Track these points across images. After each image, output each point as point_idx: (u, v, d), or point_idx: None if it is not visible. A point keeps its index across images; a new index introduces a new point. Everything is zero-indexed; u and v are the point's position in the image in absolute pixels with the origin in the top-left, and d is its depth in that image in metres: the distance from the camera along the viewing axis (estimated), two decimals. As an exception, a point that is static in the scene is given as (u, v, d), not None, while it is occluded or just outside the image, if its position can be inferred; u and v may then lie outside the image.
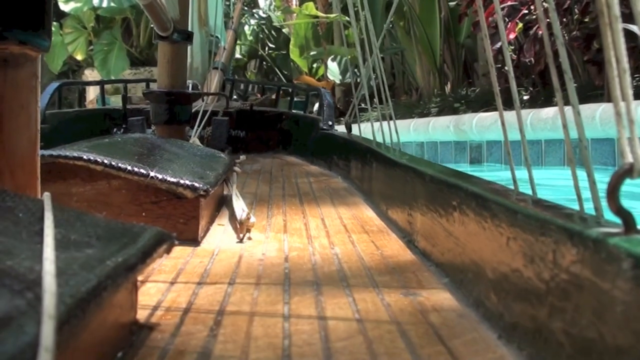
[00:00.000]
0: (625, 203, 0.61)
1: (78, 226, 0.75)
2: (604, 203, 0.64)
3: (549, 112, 5.26)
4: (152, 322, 0.82)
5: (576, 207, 0.75)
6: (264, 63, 12.68)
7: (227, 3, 5.36)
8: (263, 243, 1.33)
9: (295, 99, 4.03)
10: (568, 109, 0.78)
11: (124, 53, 10.02)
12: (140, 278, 0.96)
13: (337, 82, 10.39)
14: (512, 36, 6.04)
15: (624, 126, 0.60)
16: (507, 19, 5.92)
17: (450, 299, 0.93)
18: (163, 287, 0.99)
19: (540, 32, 5.80)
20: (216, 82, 4.21)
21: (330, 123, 3.08)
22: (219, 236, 1.41)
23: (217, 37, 4.36)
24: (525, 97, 6.29)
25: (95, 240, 0.71)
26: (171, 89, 2.38)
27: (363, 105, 2.33)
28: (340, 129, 3.01)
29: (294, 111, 3.74)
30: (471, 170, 5.58)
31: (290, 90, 4.30)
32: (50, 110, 3.46)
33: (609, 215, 0.64)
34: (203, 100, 3.23)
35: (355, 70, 8.13)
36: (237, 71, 13.14)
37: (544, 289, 0.67)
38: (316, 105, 4.03)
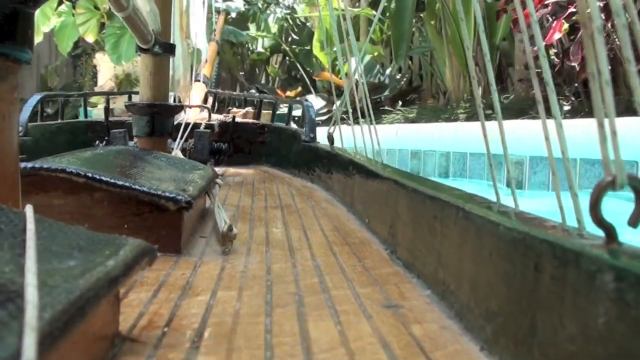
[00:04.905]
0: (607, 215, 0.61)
1: (60, 238, 0.74)
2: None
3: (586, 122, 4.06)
4: (134, 334, 0.81)
5: (559, 219, 0.76)
6: (287, 58, 12.47)
7: (209, 16, 5.36)
8: (245, 255, 1.33)
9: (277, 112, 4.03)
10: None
11: (136, 38, 9.71)
12: (122, 290, 0.95)
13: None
14: (557, 36, 5.33)
15: (607, 138, 0.61)
16: (551, 18, 5.42)
17: (432, 311, 0.93)
18: (145, 298, 0.98)
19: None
20: (198, 94, 4.20)
21: (312, 135, 3.08)
22: (201, 248, 1.40)
23: (199, 49, 4.36)
24: (566, 108, 5.69)
25: (77, 252, 0.71)
26: (153, 102, 2.37)
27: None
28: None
29: (276, 123, 3.74)
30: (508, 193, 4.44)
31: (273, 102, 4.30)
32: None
33: (591, 227, 0.64)
34: (185, 113, 3.22)
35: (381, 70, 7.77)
36: (259, 65, 12.88)
37: (526, 301, 0.68)
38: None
